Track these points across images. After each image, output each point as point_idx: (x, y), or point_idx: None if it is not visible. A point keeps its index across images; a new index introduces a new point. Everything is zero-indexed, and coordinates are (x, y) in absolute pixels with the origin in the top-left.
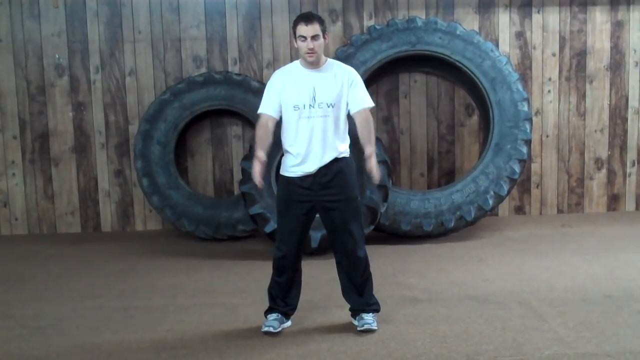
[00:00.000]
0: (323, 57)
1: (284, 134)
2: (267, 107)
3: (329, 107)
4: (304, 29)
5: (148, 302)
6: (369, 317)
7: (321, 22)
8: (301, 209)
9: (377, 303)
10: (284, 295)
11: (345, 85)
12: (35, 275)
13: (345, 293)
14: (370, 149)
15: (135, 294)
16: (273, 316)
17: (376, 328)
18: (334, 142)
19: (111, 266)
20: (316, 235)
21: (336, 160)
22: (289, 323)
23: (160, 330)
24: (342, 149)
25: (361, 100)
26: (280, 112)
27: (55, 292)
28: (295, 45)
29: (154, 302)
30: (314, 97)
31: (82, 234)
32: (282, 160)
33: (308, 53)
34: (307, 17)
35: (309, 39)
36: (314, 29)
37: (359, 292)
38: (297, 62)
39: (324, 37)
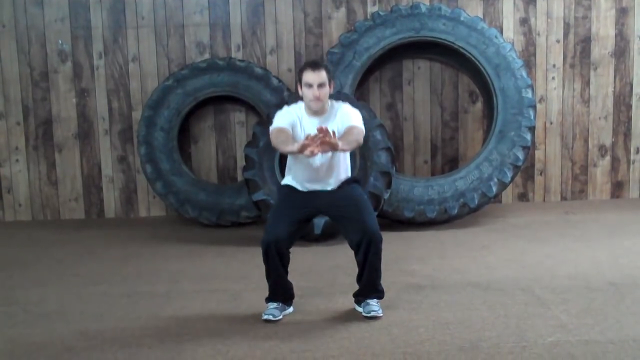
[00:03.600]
0: (327, 104)
1: (289, 167)
2: (281, 124)
3: (332, 153)
4: (310, 77)
5: (151, 288)
6: (374, 304)
7: (327, 70)
8: (300, 213)
9: (383, 291)
10: (281, 283)
11: (344, 125)
12: (39, 261)
13: (360, 278)
14: (342, 140)
15: (139, 280)
16: (274, 304)
17: (382, 315)
18: (337, 175)
19: (115, 252)
20: (319, 222)
21: (340, 185)
22: (290, 309)
23: (163, 316)
24: (345, 176)
25: (353, 122)
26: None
27: (58, 278)
28: (300, 92)
29: (157, 288)
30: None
31: (86, 220)
32: (285, 175)
33: (313, 101)
34: (314, 65)
35: (315, 87)
36: (320, 76)
37: (373, 275)
38: (301, 106)
39: (329, 85)
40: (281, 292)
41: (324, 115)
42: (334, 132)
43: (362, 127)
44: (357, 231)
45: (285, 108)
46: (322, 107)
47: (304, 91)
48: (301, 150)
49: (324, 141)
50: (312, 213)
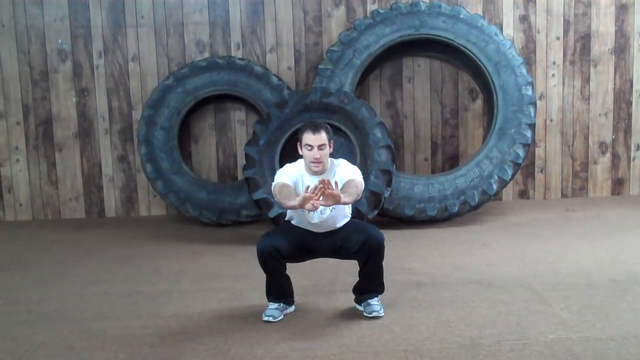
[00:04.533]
0: (327, 162)
1: (290, 217)
2: (283, 180)
3: (333, 209)
4: (311, 138)
5: (152, 287)
6: (375, 304)
7: (327, 131)
8: (299, 242)
9: (383, 285)
10: (282, 281)
11: (342, 180)
12: (40, 261)
13: (360, 274)
14: (343, 198)
15: (140, 279)
16: (274, 305)
17: (383, 314)
18: (339, 223)
19: (115, 251)
20: None
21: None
22: (292, 308)
23: (164, 316)
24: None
25: (352, 175)
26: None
27: (60, 277)
28: (300, 153)
29: (158, 287)
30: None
31: (87, 220)
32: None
33: (313, 162)
34: (314, 127)
35: (315, 148)
36: (320, 138)
37: (375, 271)
38: (301, 166)
39: (329, 146)
40: (281, 290)
41: (324, 174)
42: (336, 183)
43: (362, 179)
44: (361, 237)
45: (287, 166)
46: (323, 168)
47: (304, 152)
48: (302, 204)
49: (327, 194)
50: (311, 249)
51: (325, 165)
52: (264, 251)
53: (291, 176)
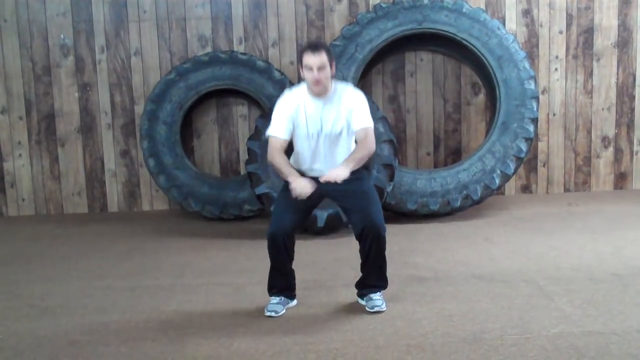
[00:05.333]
0: (330, 85)
1: (296, 155)
2: (279, 130)
3: (336, 136)
4: (310, 60)
5: (155, 281)
6: (377, 299)
7: (328, 51)
8: (305, 200)
9: (387, 280)
10: (285, 273)
11: (348, 111)
12: (43, 256)
13: (363, 267)
14: (345, 163)
15: (143, 274)
16: (276, 299)
17: (385, 309)
18: (341, 159)
19: (118, 246)
20: (322, 215)
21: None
22: (294, 302)
23: (167, 310)
24: None
25: (358, 121)
26: (291, 134)
27: (62, 272)
28: (302, 75)
29: (161, 281)
30: (322, 128)
31: (89, 215)
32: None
33: (314, 84)
34: (314, 47)
35: (315, 70)
36: (320, 59)
37: (376, 264)
38: (304, 88)
39: (331, 67)
40: (284, 283)
41: (326, 96)
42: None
43: (370, 123)
44: (360, 221)
45: (287, 95)
46: (325, 89)
47: (305, 74)
48: (293, 188)
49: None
50: (318, 197)
51: (327, 87)
52: (270, 235)
53: (289, 112)
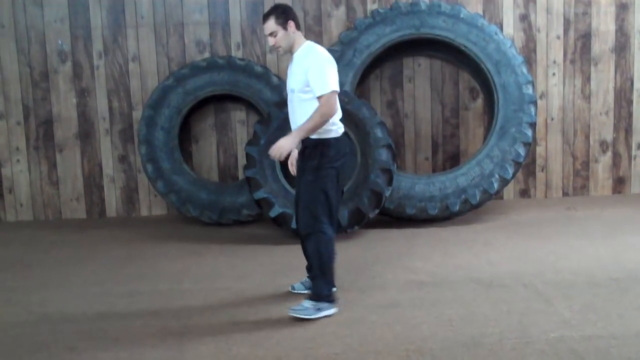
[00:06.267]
0: (298, 43)
1: None
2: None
3: (297, 92)
4: (264, 28)
5: (154, 287)
6: (299, 305)
7: (278, 15)
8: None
9: (320, 295)
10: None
11: (304, 71)
12: (41, 261)
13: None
14: (293, 133)
15: (141, 280)
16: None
17: (302, 317)
18: (300, 121)
19: (117, 252)
20: None
21: (310, 139)
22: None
23: (166, 316)
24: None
25: (315, 86)
26: None
27: (61, 278)
28: None
29: (159, 287)
30: (289, 85)
31: (87, 220)
32: None
33: (273, 48)
34: (263, 17)
35: (268, 36)
36: (268, 26)
37: (311, 268)
38: None
39: (284, 28)
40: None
41: (295, 55)
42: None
43: (327, 88)
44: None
45: None
46: (287, 50)
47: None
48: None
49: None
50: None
51: (286, 47)
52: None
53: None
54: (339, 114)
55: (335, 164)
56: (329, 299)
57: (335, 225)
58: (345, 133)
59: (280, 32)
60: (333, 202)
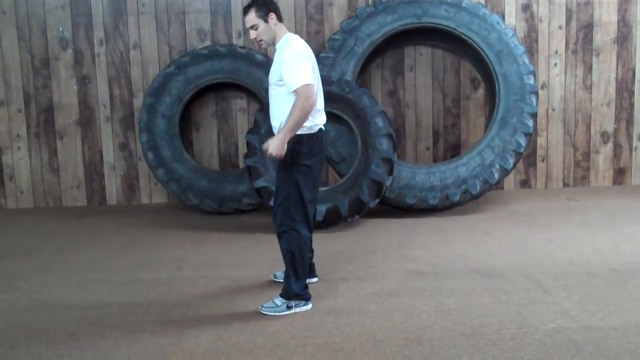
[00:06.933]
0: (279, 36)
1: None
2: None
3: (272, 85)
4: (245, 21)
5: (154, 275)
6: (270, 302)
7: (258, 7)
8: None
9: (291, 294)
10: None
11: (279, 65)
12: (41, 248)
13: None
14: (280, 134)
15: (141, 267)
16: (309, 295)
17: (271, 314)
18: (282, 118)
19: (117, 239)
20: (321, 208)
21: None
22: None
23: (165, 303)
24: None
25: (288, 82)
26: None
27: (61, 265)
28: None
29: (159, 274)
30: (268, 77)
31: (88, 207)
32: None
33: (257, 41)
34: (244, 9)
35: (250, 30)
36: (248, 19)
37: (285, 265)
38: None
39: (265, 21)
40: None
41: (277, 46)
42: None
43: (300, 82)
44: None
45: None
46: (272, 41)
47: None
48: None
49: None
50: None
51: (267, 40)
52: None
53: None
54: (315, 108)
55: (308, 161)
56: (301, 297)
57: (312, 224)
58: (322, 130)
59: (262, 25)
60: (307, 200)
